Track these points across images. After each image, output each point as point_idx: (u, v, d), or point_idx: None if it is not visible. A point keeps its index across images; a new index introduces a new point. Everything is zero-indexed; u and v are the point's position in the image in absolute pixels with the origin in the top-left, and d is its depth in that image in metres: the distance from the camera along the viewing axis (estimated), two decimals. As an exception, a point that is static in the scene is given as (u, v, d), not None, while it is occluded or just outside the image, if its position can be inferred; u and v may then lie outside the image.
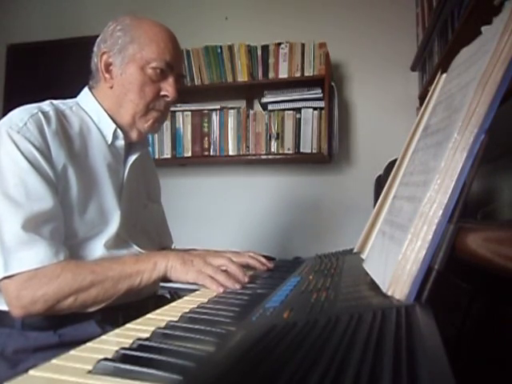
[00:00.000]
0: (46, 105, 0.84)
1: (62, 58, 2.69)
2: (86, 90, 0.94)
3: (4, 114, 0.78)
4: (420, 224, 0.38)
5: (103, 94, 0.91)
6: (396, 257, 0.40)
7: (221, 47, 2.21)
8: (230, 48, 2.21)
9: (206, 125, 2.23)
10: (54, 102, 0.87)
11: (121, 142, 0.91)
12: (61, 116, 0.84)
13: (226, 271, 0.75)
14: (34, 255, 0.71)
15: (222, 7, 2.47)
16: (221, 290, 0.69)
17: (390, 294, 0.39)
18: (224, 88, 2.26)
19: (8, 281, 0.71)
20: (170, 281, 0.77)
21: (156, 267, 0.75)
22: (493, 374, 0.34)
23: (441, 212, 0.37)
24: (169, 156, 2.25)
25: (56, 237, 0.75)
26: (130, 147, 0.95)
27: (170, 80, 0.89)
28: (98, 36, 0.92)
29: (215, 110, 2.22)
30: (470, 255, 0.37)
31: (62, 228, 0.77)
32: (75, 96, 0.93)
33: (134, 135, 0.93)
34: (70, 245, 0.79)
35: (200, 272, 0.73)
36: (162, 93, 0.90)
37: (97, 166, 0.87)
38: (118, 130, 0.90)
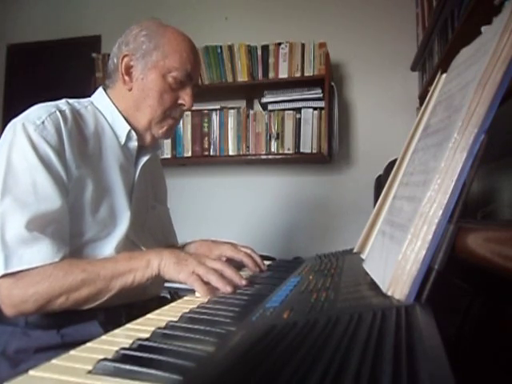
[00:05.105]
0: (62, 104, 0.84)
1: (62, 58, 2.69)
2: (100, 89, 0.94)
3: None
4: (420, 224, 0.38)
5: (120, 95, 0.91)
6: (396, 257, 0.40)
7: (221, 47, 2.21)
8: (230, 48, 2.21)
9: (206, 125, 2.23)
10: (70, 100, 0.87)
11: (134, 144, 0.92)
12: (77, 115, 0.84)
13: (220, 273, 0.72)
14: (35, 253, 0.70)
15: (222, 7, 2.47)
16: (208, 296, 0.65)
17: (389, 293, 0.39)
18: (224, 88, 2.26)
19: (5, 279, 0.70)
20: (170, 281, 0.76)
21: (149, 265, 0.73)
22: (493, 374, 0.34)
23: (441, 212, 0.37)
24: (169, 156, 2.25)
25: (58, 236, 0.74)
26: (140, 148, 0.95)
27: (188, 90, 0.92)
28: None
29: (215, 110, 2.23)
30: (470, 255, 0.37)
31: (65, 229, 0.77)
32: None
33: (147, 139, 0.94)
34: (77, 244, 0.79)
35: (192, 273, 0.70)
36: (180, 101, 0.92)
37: (110, 167, 0.87)
38: (132, 132, 0.90)
